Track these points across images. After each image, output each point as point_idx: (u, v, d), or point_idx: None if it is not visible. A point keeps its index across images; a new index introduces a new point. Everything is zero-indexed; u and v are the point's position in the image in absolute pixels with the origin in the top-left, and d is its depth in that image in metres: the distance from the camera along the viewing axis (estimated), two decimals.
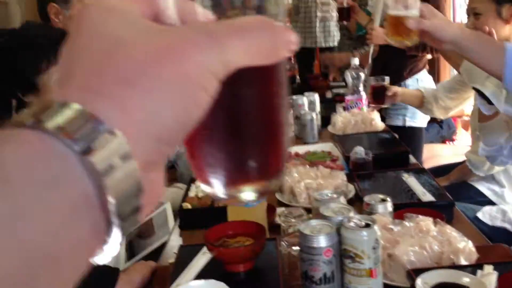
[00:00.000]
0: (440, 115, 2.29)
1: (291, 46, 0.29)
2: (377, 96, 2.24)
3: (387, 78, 2.23)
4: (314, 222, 0.99)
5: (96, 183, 0.24)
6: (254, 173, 0.31)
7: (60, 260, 0.23)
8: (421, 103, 2.26)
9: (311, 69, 3.96)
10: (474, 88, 1.80)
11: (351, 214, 1.02)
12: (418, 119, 2.67)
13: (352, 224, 0.95)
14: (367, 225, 0.94)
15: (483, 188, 2.02)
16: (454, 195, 1.46)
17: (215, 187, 0.31)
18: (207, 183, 0.32)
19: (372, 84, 2.24)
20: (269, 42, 0.28)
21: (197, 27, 0.27)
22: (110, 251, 0.26)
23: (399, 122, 2.68)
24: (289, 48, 0.29)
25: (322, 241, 0.93)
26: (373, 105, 2.28)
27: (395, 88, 2.27)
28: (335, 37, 3.71)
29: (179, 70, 0.26)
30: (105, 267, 1.17)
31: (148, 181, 0.26)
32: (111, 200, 0.24)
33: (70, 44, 0.27)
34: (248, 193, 0.32)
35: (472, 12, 1.87)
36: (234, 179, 0.31)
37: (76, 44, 0.27)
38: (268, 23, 0.28)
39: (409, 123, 2.67)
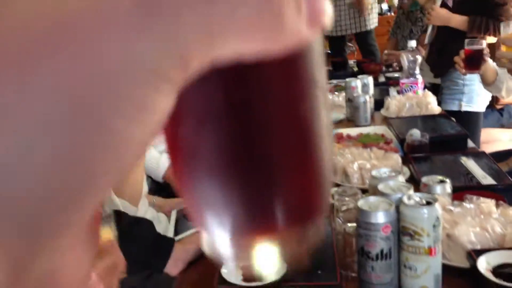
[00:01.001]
0: (505, 95, 2.18)
1: (320, 19, 0.17)
2: (472, 61, 2.01)
3: (484, 41, 2.01)
4: (372, 199, 0.98)
5: None
6: (278, 218, 0.20)
7: None
8: (494, 79, 2.14)
9: (343, 54, 3.86)
10: None
11: (411, 192, 1.00)
12: (474, 104, 2.57)
13: (412, 201, 0.93)
14: (428, 203, 0.92)
15: None
16: None
17: (215, 239, 0.20)
18: (205, 231, 0.21)
19: (467, 48, 2.01)
20: (268, 15, 0.15)
21: None
22: None
23: (454, 107, 2.59)
24: (319, 23, 0.17)
25: (380, 217, 0.92)
26: (468, 72, 2.07)
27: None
28: (367, 21, 3.59)
29: (91, 62, 0.14)
30: (160, 236, 1.21)
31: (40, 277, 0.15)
32: None
33: None
34: (268, 249, 0.20)
35: None
36: (247, 228, 0.20)
37: None
38: None
39: (465, 108, 2.58)
